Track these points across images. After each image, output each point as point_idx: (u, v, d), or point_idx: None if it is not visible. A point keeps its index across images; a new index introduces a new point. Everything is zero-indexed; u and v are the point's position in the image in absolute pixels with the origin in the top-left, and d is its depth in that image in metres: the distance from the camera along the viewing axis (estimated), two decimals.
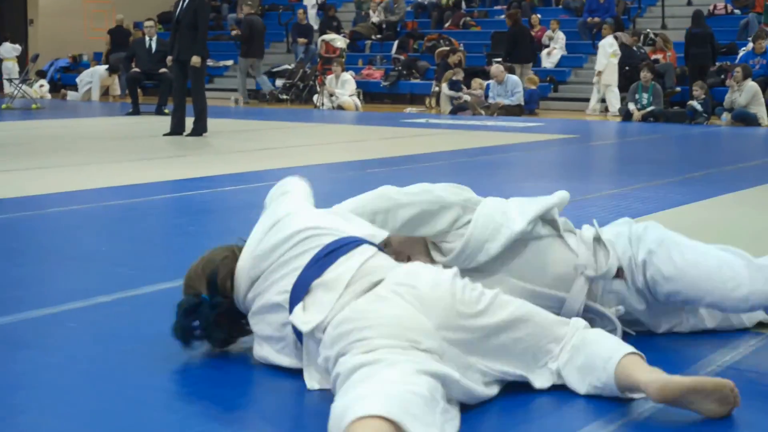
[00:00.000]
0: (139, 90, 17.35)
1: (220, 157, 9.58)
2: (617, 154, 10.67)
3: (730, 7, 20.13)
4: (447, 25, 22.46)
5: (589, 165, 9.34)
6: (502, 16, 22.57)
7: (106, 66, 21.89)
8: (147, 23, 17.74)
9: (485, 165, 9.12)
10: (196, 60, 11.51)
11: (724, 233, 5.39)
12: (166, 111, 15.76)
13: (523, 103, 17.12)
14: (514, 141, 11.63)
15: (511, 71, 17.60)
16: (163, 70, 15.75)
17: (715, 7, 20.16)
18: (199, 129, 11.78)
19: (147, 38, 17.22)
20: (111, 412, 2.58)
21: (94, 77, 21.63)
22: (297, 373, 2.78)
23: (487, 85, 17.58)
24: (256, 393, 2.83)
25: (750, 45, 16.80)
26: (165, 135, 11.85)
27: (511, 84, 17.18)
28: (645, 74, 15.66)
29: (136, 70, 16.99)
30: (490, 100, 17.24)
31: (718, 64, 17.44)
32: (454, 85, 17.85)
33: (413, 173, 7.87)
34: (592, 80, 17.88)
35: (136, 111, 16.45)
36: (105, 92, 22.14)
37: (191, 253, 3.23)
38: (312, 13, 23.59)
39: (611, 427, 2.52)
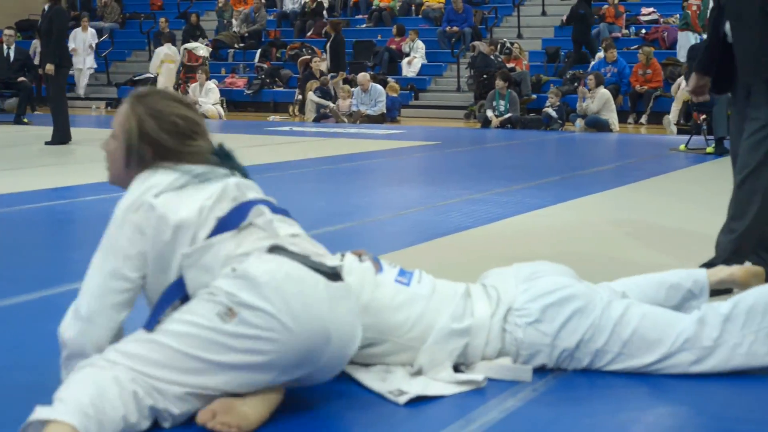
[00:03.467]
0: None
1: (82, 167, 9.47)
2: (476, 160, 10.96)
3: None
4: (309, 33, 22.58)
5: (449, 171, 9.58)
6: (364, 26, 22.85)
7: None
8: (6, 31, 17.34)
9: (349, 172, 9.27)
10: (49, 68, 11.35)
11: (580, 235, 5.66)
12: (26, 120, 15.45)
13: (385, 111, 17.38)
14: (377, 148, 11.83)
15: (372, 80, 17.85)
16: (21, 78, 15.42)
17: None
18: (60, 138, 11.59)
19: (5, 46, 16.83)
20: None
21: None
22: None
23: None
24: None
25: (602, 53, 17.42)
26: (47, 144, 11.60)
27: (375, 93, 17.42)
28: (499, 82, 16.10)
29: None
30: (353, 108, 17.44)
31: (571, 72, 18.05)
32: (321, 92, 17.97)
33: (279, 181, 7.96)
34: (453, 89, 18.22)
35: None
36: None
37: (49, 266, 3.19)
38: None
39: (471, 427, 2.63)
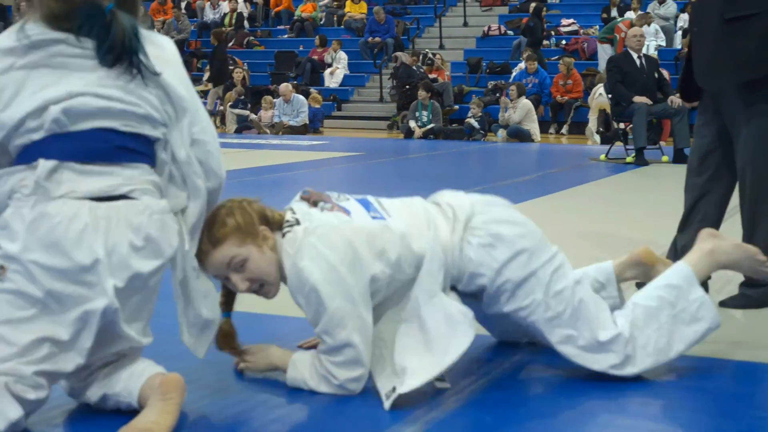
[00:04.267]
0: None
1: None
2: (399, 170, 10.95)
3: (503, 29, 20.99)
4: (231, 44, 22.43)
5: (372, 181, 9.54)
6: (286, 36, 22.78)
7: None
8: None
9: (271, 183, 9.18)
10: None
11: None
12: None
13: (308, 122, 17.31)
14: (299, 159, 11.76)
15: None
16: None
17: (489, 28, 20.97)
18: None
19: None
20: None
21: None
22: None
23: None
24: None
25: (523, 64, 17.58)
26: None
27: (297, 103, 17.34)
28: (422, 92, 16.14)
29: None
30: (276, 119, 17.34)
31: (492, 82, 18.18)
32: (242, 103, 17.85)
33: None
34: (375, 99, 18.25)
35: None
36: None
37: None
38: None
39: (413, 428, 2.61)
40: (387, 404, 2.72)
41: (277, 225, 2.96)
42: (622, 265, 3.40)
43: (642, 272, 3.38)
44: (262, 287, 2.91)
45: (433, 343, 2.83)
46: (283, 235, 2.90)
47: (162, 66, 2.60)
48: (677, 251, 4.13)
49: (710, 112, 4.15)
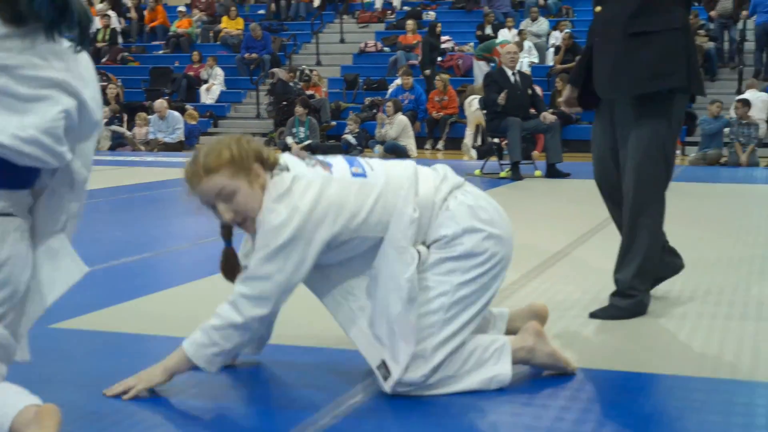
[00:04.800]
0: None
1: None
2: None
3: (380, 45, 21.13)
4: (104, 60, 22.03)
5: None
6: (161, 52, 22.49)
7: None
8: None
9: (146, 201, 9.04)
10: None
11: None
12: None
13: (183, 139, 17.11)
14: (175, 176, 11.54)
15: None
16: None
17: (366, 44, 21.09)
18: None
19: None
20: None
21: None
22: None
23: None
24: None
25: (399, 80, 17.71)
26: None
27: (172, 120, 17.12)
28: (299, 108, 16.13)
29: None
30: (150, 136, 17.09)
31: (369, 98, 18.28)
32: (112, 121, 17.54)
33: None
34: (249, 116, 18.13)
35: None
36: None
37: None
38: None
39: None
40: (387, 388, 2.92)
41: (269, 166, 3.03)
42: (519, 314, 3.53)
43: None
44: (245, 222, 3.02)
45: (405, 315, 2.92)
46: (272, 177, 2.99)
47: None
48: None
49: (607, 120, 4.29)
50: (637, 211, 4.12)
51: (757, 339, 3.81)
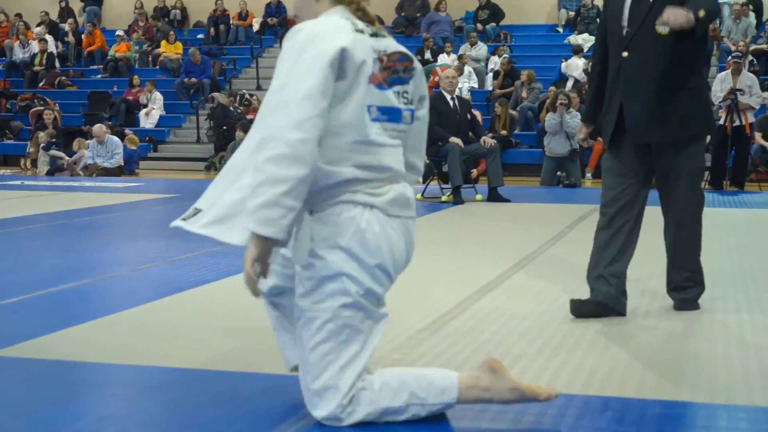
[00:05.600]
0: None
1: None
2: None
3: None
4: (41, 84, 21.81)
5: None
6: (99, 76, 22.32)
7: None
8: None
9: (85, 227, 8.93)
10: None
11: None
12: None
13: (122, 164, 16.96)
14: (114, 201, 11.49)
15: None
16: None
17: None
18: None
19: None
20: None
21: None
22: None
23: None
24: None
25: None
26: None
27: (111, 145, 16.96)
28: (240, 133, 16.08)
29: None
30: (89, 161, 16.92)
31: None
32: (50, 146, 17.34)
33: (7, 238, 7.57)
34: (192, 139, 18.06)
35: None
36: None
37: None
38: None
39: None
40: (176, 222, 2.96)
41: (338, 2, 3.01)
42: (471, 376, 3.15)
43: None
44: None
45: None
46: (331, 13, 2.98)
47: None
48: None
49: (630, 154, 4.75)
50: (686, 231, 4.81)
51: (713, 360, 3.86)
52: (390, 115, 2.91)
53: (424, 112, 3.11)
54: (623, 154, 4.77)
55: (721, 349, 4.08)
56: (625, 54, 4.69)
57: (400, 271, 2.97)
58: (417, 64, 3.11)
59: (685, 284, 4.90)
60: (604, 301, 4.70)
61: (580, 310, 4.69)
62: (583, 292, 4.83)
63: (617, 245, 4.77)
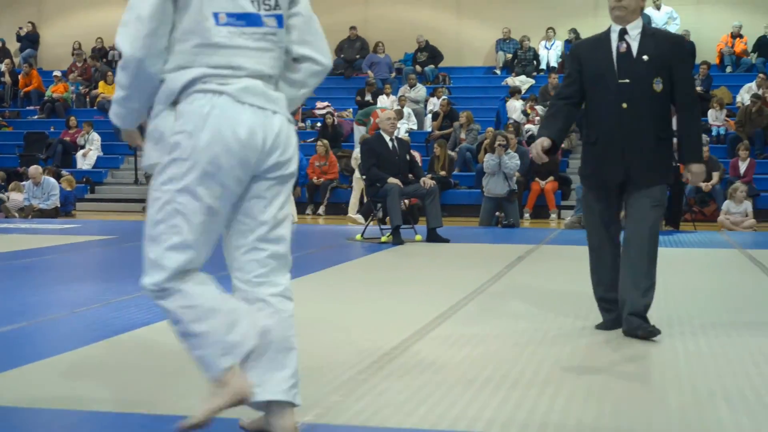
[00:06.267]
0: None
1: None
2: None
3: None
4: None
5: (126, 265, 9.31)
6: (36, 117, 22.10)
7: None
8: None
9: (20, 269, 8.81)
10: None
11: None
12: None
13: (59, 206, 16.77)
14: (50, 243, 11.34)
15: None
16: None
17: None
18: None
19: None
20: None
21: None
22: None
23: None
24: None
25: None
26: None
27: (47, 186, 16.78)
28: None
29: None
30: (25, 203, 16.72)
31: None
32: None
33: None
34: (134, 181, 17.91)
35: None
36: None
37: None
38: None
39: None
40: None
41: None
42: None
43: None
44: None
45: None
46: None
47: None
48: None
49: (612, 197, 5.42)
50: (651, 256, 5.27)
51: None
52: (247, 20, 3.15)
53: (300, 8, 3.33)
54: (604, 193, 5.42)
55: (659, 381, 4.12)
56: (624, 105, 5.23)
57: (253, 158, 3.14)
58: None
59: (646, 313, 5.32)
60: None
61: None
62: (521, 331, 4.85)
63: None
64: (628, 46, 5.25)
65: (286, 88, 3.34)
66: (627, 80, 5.22)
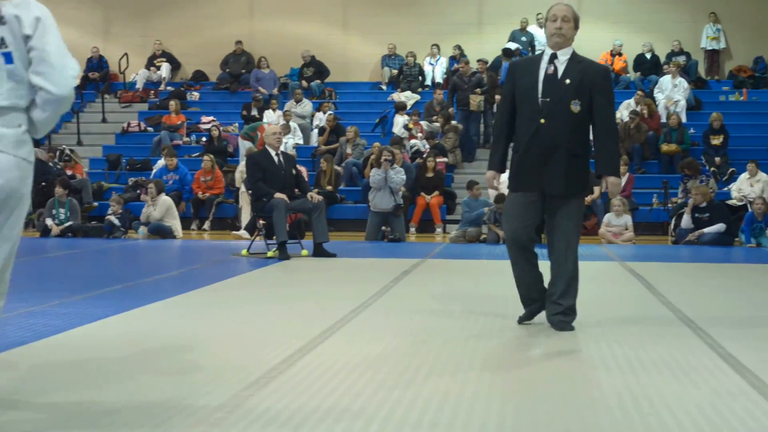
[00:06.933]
0: None
1: None
2: (35, 271, 10.47)
3: (143, 125, 20.88)
4: None
5: None
6: None
7: None
8: None
9: None
10: None
11: (151, 346, 5.53)
12: None
13: None
14: None
15: None
16: None
17: (129, 124, 20.79)
18: None
19: None
20: None
21: None
22: None
23: None
24: None
25: (163, 161, 17.51)
26: None
27: None
28: (59, 189, 15.67)
29: None
30: None
31: (133, 179, 17.98)
32: None
33: None
34: None
35: None
36: None
37: None
38: None
39: None
40: None
41: None
42: None
43: None
44: None
45: None
46: None
47: None
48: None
49: (534, 199, 5.93)
50: (573, 257, 5.95)
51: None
52: None
53: (34, 43, 3.68)
54: (527, 199, 5.96)
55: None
56: (542, 121, 5.81)
57: None
58: (6, 11, 3.65)
59: (572, 310, 6.05)
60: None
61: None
62: (406, 345, 4.85)
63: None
64: (555, 69, 5.86)
65: (36, 111, 3.77)
66: (548, 99, 5.81)
